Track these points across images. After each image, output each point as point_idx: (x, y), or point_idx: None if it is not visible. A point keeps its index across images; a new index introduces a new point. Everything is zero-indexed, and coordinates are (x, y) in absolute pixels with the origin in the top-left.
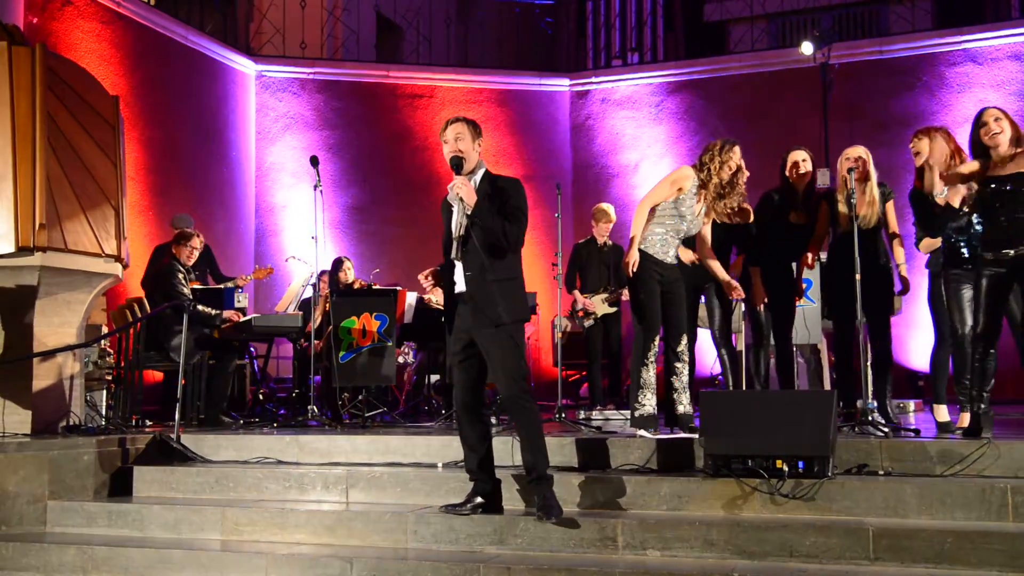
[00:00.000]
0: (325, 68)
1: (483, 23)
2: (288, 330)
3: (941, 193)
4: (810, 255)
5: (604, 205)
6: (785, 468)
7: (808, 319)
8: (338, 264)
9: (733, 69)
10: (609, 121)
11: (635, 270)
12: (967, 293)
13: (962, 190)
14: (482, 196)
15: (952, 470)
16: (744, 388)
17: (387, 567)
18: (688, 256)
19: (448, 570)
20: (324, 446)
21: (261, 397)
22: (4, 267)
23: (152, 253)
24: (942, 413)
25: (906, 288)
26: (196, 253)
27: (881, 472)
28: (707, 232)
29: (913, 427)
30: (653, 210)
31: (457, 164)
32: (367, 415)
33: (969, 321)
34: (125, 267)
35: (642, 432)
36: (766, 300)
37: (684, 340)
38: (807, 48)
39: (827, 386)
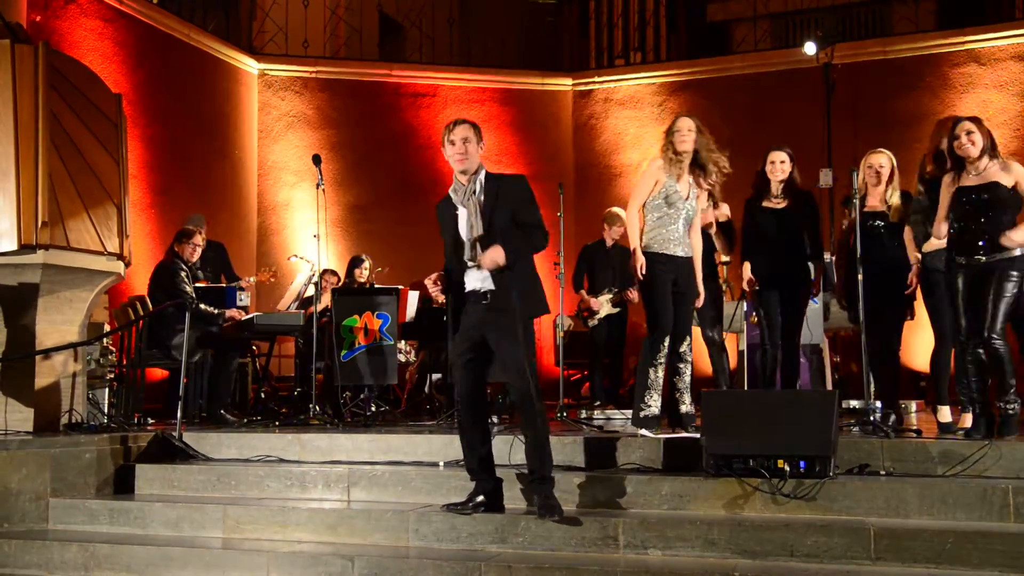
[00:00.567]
0: (328, 67)
1: (486, 22)
2: (290, 328)
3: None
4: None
5: (616, 209)
6: (786, 468)
7: (810, 319)
8: (357, 262)
9: (736, 69)
10: (612, 121)
11: (644, 272)
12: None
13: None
14: (499, 226)
15: (953, 470)
16: (742, 388)
17: (388, 565)
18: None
19: (449, 568)
20: (325, 444)
21: (263, 395)
22: (6, 265)
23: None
24: (944, 414)
25: (915, 288)
26: (199, 250)
27: (882, 472)
28: (698, 243)
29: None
30: (643, 209)
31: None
32: (368, 413)
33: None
34: (127, 265)
35: (644, 431)
36: (757, 287)
37: (688, 340)
38: (810, 48)
39: (829, 386)
